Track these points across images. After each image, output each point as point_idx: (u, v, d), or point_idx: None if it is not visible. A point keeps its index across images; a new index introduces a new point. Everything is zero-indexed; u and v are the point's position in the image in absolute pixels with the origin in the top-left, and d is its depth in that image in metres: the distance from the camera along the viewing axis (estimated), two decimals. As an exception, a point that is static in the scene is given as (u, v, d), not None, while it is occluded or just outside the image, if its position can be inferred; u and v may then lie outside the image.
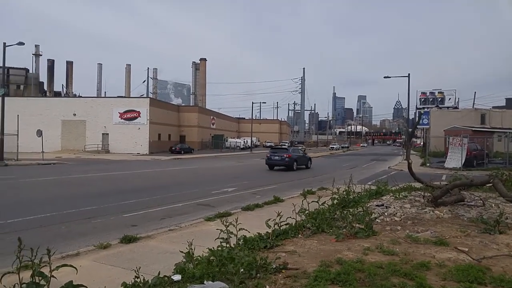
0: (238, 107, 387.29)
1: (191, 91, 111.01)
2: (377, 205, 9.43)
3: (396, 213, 8.45)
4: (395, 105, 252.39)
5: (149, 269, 4.94)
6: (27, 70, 78.28)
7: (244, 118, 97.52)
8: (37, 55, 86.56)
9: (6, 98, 30.26)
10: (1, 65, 29.90)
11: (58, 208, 10.14)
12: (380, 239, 6.28)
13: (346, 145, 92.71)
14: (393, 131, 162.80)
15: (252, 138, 69.78)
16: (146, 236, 6.95)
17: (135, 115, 48.91)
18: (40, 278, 3.40)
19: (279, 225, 6.29)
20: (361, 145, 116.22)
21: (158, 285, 4.09)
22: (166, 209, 10.34)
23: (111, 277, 4.88)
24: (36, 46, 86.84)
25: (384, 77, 37.83)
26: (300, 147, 44.25)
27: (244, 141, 70.83)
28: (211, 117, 71.10)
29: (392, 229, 7.00)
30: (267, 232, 6.14)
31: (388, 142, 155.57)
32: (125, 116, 49.03)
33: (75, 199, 11.97)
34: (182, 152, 48.85)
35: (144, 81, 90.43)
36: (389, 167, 29.21)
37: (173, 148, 49.92)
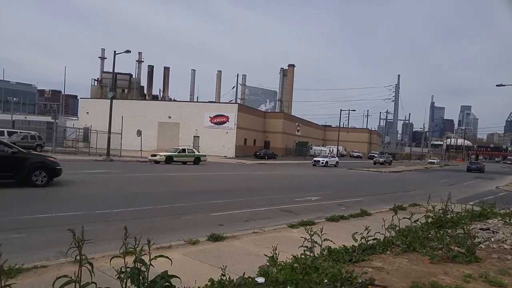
0: (324, 114, 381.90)
1: (277, 97, 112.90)
2: (481, 229, 8.47)
3: (505, 240, 7.49)
4: (509, 117, 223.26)
5: (233, 268, 5.18)
6: (130, 76, 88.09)
7: (331, 126, 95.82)
8: (139, 61, 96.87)
9: (113, 101, 34.42)
10: (112, 71, 34.21)
11: (153, 203, 11.21)
12: (485, 267, 5.64)
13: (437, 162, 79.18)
14: (504, 147, 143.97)
15: (339, 147, 68.13)
16: (232, 236, 7.29)
17: (224, 119, 51.58)
18: (141, 264, 3.82)
19: (366, 239, 6.07)
20: (470, 160, 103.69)
21: (242, 285, 4.27)
22: (250, 212, 10.71)
23: (199, 272, 5.23)
24: (139, 54, 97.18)
25: (497, 85, 33.62)
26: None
27: (329, 150, 69.55)
28: (296, 124, 71.35)
29: (500, 258, 6.23)
30: (352, 245, 5.98)
31: (496, 158, 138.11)
32: (215, 120, 52.02)
33: (167, 196, 13.12)
34: (266, 158, 49.90)
35: (234, 87, 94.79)
36: (497, 187, 25.93)
37: (258, 153, 51.28)
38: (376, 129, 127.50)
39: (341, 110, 66.24)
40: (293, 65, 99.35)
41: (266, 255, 4.99)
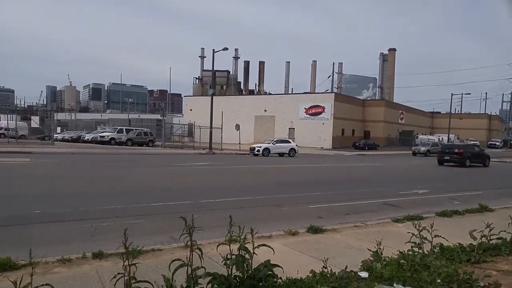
0: (431, 100, 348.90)
1: (377, 84, 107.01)
2: None
3: None
4: None
5: (334, 261, 5.10)
6: (228, 72, 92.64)
7: (439, 112, 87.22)
8: (236, 58, 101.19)
9: (213, 97, 36.67)
10: (211, 69, 36.42)
11: (253, 194, 11.67)
12: None
13: None
14: None
15: (450, 135, 61.73)
16: (332, 229, 7.19)
17: (319, 110, 50.93)
18: (245, 252, 4.01)
19: (488, 238, 5.40)
20: None
21: (345, 278, 4.19)
22: (350, 205, 10.42)
23: (300, 263, 5.29)
24: (236, 50, 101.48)
25: None
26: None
27: (439, 139, 63.47)
28: (399, 111, 66.73)
29: None
30: (470, 243, 5.38)
31: None
32: (310, 111, 51.69)
33: (266, 187, 13.53)
34: (366, 148, 47.86)
35: (329, 76, 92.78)
36: None
37: (357, 144, 49.50)
38: (498, 114, 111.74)
39: (452, 95, 59.47)
40: (394, 49, 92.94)
41: (369, 250, 4.81)
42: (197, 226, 3.57)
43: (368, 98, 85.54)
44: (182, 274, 3.45)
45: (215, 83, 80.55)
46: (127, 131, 42.00)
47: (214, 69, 39.44)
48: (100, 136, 41.14)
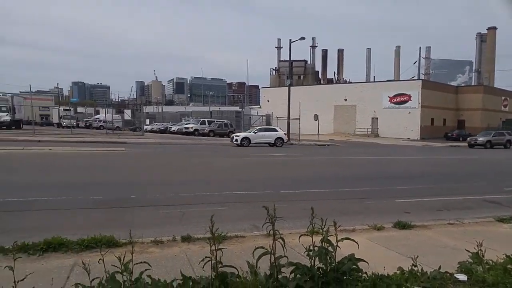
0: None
1: (473, 68, 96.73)
2: None
3: None
4: None
5: (425, 260, 4.77)
6: (305, 62, 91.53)
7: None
8: (313, 47, 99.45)
9: (290, 88, 36.59)
10: (288, 59, 36.31)
11: (334, 186, 11.44)
12: None
13: None
14: None
15: None
16: (422, 226, 6.73)
17: (405, 98, 47.84)
18: (328, 244, 3.94)
19: None
20: None
21: (438, 279, 3.89)
22: (442, 200, 9.64)
23: (386, 259, 5.04)
24: (313, 39, 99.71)
25: None
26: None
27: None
28: (502, 98, 59.56)
29: None
30: None
31: None
32: (395, 100, 48.81)
33: (347, 179, 13.15)
34: (460, 139, 43.80)
35: (415, 62, 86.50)
36: None
37: (449, 135, 45.61)
38: None
39: None
40: (494, 28, 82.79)
41: (467, 250, 4.39)
42: (278, 216, 3.60)
43: (463, 84, 77.89)
44: (265, 262, 3.52)
45: (292, 73, 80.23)
46: (209, 122, 44.12)
47: (291, 59, 39.26)
48: (185, 128, 43.85)
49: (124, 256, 3.01)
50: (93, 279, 2.94)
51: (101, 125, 50.65)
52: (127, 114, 66.85)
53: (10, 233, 5.81)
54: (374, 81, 71.27)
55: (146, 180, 11.91)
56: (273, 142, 29.19)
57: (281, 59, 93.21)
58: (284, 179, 13.00)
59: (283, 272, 3.43)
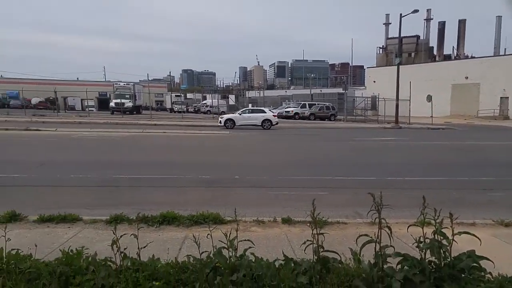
0: None
1: None
2: None
3: None
4: None
5: None
6: (417, 37, 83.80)
7: None
8: (428, 19, 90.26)
9: (400, 67, 34.01)
10: (397, 35, 33.71)
11: (448, 173, 10.43)
12: None
13: None
14: None
15: None
16: None
17: (546, 73, 40.72)
18: (441, 238, 3.61)
19: None
20: None
21: None
22: None
23: (514, 259, 4.44)
24: (427, 11, 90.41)
25: None
26: None
27: None
28: None
29: None
30: None
31: None
32: (532, 75, 41.91)
33: (466, 167, 11.84)
34: None
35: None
36: None
37: None
38: None
39: None
40: None
41: None
42: (385, 204, 3.41)
43: None
44: (368, 250, 3.39)
45: (402, 51, 74.41)
46: (310, 106, 43.86)
47: (401, 35, 36.35)
48: (285, 111, 44.40)
49: (230, 233, 3.20)
50: (202, 252, 3.20)
51: (208, 110, 54.28)
52: (231, 99, 70.30)
53: (132, 205, 6.66)
54: (505, 54, 61.90)
55: (249, 162, 12.44)
56: (259, 124, 27.24)
57: (389, 36, 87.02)
58: (390, 164, 12.29)
59: (389, 262, 3.27)
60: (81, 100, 62.17)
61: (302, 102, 46.32)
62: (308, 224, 4.97)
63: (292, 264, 3.19)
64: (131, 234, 3.48)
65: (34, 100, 58.99)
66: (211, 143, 18.60)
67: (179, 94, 77.05)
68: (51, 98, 57.51)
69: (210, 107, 52.21)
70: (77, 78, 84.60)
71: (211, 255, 3.27)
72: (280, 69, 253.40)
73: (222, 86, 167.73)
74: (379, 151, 16.33)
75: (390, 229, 3.38)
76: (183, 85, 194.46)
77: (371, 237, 3.34)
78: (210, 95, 70.67)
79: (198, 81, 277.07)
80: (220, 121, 27.62)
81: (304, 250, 3.18)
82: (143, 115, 45.04)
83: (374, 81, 58.92)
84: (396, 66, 34.39)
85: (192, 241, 4.49)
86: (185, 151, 15.07)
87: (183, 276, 3.14)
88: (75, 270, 3.21)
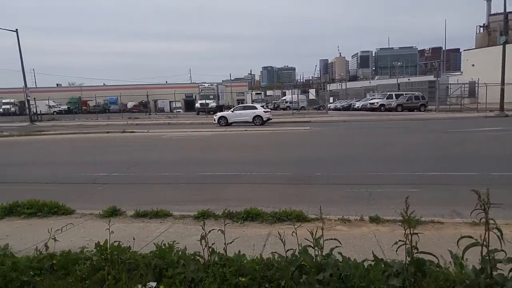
0: None
1: None
2: None
3: None
4: None
5: None
6: (527, 11, 73.79)
7: None
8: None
9: (506, 46, 30.30)
10: (502, 11, 30.05)
11: None
12: None
13: None
14: None
15: None
16: None
17: None
18: None
19: None
20: None
21: None
22: None
23: None
24: (540, -21, 79.00)
25: None
26: None
27: None
28: None
29: None
30: None
31: None
32: None
33: None
34: None
35: None
36: None
37: None
38: None
39: None
40: None
41: None
42: (493, 203, 3.05)
43: None
44: (471, 254, 3.07)
45: (508, 28, 66.19)
46: (397, 96, 41.42)
47: (506, 10, 32.32)
48: (370, 103, 42.56)
49: (316, 231, 3.15)
50: (287, 250, 3.19)
51: (287, 106, 54.45)
52: (312, 94, 69.61)
53: (217, 202, 6.95)
54: None
55: (331, 158, 12.17)
56: (251, 120, 27.70)
57: (492, 13, 78.03)
58: (494, 158, 11.00)
59: (499, 269, 2.92)
60: (169, 102, 66.76)
61: (388, 93, 43.91)
62: (399, 224, 4.69)
63: (383, 265, 3.01)
64: (218, 230, 3.61)
65: (130, 104, 65.02)
66: (291, 139, 18.62)
67: (259, 92, 78.58)
68: (143, 101, 62.95)
69: (290, 102, 52.27)
70: (166, 82, 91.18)
71: (296, 253, 3.25)
72: (363, 59, 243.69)
73: (302, 80, 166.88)
74: (480, 143, 14.77)
75: (500, 231, 3.01)
76: (263, 83, 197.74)
77: (475, 240, 3.01)
78: (290, 90, 70.74)
79: (278, 77, 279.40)
80: (215, 118, 28.92)
81: (396, 251, 2.98)
82: (226, 114, 46.84)
83: (473, 65, 53.42)
84: (501, 46, 30.73)
85: (275, 238, 4.53)
86: (264, 148, 15.30)
87: (268, 273, 3.16)
88: (167, 263, 3.43)
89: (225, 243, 3.58)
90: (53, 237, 3.95)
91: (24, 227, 5.80)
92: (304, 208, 5.77)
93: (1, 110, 63.99)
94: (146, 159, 13.10)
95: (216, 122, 28.41)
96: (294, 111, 42.96)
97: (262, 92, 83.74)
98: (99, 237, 4.19)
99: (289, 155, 13.02)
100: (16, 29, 38.47)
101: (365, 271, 2.93)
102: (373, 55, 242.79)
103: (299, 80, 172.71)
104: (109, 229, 3.83)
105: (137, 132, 24.27)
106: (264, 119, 27.74)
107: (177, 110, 58.72)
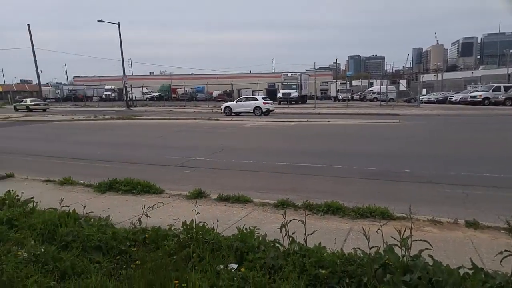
0: None
1: None
2: None
3: None
4: None
5: None
6: None
7: None
8: None
9: None
10: None
11: None
12: None
13: None
14: None
15: None
16: None
17: None
18: None
19: None
20: None
21: None
22: None
23: None
24: None
25: None
26: None
27: None
28: None
29: None
30: None
31: None
32: None
33: None
34: None
35: None
36: None
37: None
38: None
39: None
40: None
41: None
42: None
43: None
44: None
45: None
46: (506, 88, 37.06)
47: None
48: (471, 96, 38.75)
49: (405, 231, 2.99)
50: (371, 247, 3.09)
51: (374, 97, 52.01)
52: (402, 85, 65.54)
53: (297, 192, 6.96)
54: None
55: (421, 154, 11.40)
56: (252, 111, 29.85)
57: None
58: None
59: None
60: (252, 91, 68.28)
61: (495, 85, 39.45)
62: (503, 231, 4.28)
63: (483, 275, 2.75)
64: (299, 220, 3.63)
65: (215, 93, 67.85)
66: (378, 133, 17.80)
67: (344, 82, 76.15)
68: (227, 90, 65.12)
69: (377, 94, 49.83)
70: (250, 71, 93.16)
71: (380, 250, 3.13)
72: (466, 47, 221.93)
73: (391, 71, 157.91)
74: None
75: None
76: (349, 72, 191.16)
77: None
78: (378, 81, 67.44)
79: (365, 67, 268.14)
80: (221, 108, 31.89)
81: (501, 262, 2.69)
82: (308, 104, 46.40)
83: None
84: None
85: (357, 234, 4.42)
86: (349, 141, 14.86)
87: (350, 268, 3.10)
88: (248, 247, 3.55)
89: (305, 234, 3.58)
90: (146, 213, 4.33)
91: (121, 202, 6.44)
92: (388, 205, 5.52)
93: (103, 95, 71.48)
94: (229, 145, 13.61)
95: (222, 111, 31.12)
96: (382, 102, 40.93)
97: (348, 82, 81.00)
98: (185, 217, 4.48)
99: (374, 149, 12.48)
100: (118, 22, 42.41)
101: (461, 279, 2.70)
102: (479, 41, 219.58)
103: (388, 70, 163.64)
104: (195, 210, 4.08)
105: (222, 120, 25.33)
106: (263, 110, 29.87)
107: (260, 99, 59.57)
